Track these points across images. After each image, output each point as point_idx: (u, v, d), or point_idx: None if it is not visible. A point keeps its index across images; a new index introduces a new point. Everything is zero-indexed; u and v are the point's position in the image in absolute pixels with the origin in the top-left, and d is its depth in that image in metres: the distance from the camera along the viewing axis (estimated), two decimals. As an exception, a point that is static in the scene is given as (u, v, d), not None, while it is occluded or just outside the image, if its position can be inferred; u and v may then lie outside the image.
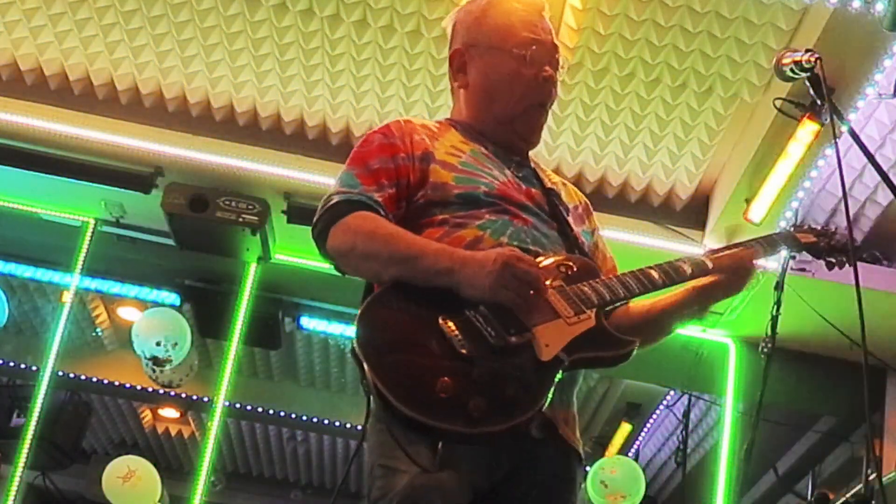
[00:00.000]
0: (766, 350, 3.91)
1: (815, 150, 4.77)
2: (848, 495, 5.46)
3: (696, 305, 2.38)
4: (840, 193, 5.41)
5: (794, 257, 2.46)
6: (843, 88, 4.42)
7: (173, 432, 9.33)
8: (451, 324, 2.00)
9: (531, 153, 2.51)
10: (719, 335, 6.09)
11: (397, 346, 2.00)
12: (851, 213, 5.50)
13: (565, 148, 5.53)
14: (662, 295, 2.35)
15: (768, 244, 2.52)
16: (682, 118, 5.26)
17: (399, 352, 1.98)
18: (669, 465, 8.08)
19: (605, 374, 7.28)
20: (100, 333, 7.84)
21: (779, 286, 3.75)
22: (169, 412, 8.90)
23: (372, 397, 1.98)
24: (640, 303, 2.36)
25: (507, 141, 2.42)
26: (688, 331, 5.87)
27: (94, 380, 7.78)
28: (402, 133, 2.31)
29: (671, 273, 2.29)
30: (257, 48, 5.27)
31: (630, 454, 7.83)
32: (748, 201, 5.13)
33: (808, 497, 6.54)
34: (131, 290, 6.61)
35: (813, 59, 2.45)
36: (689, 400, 6.58)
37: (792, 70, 2.48)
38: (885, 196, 5.42)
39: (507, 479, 2.08)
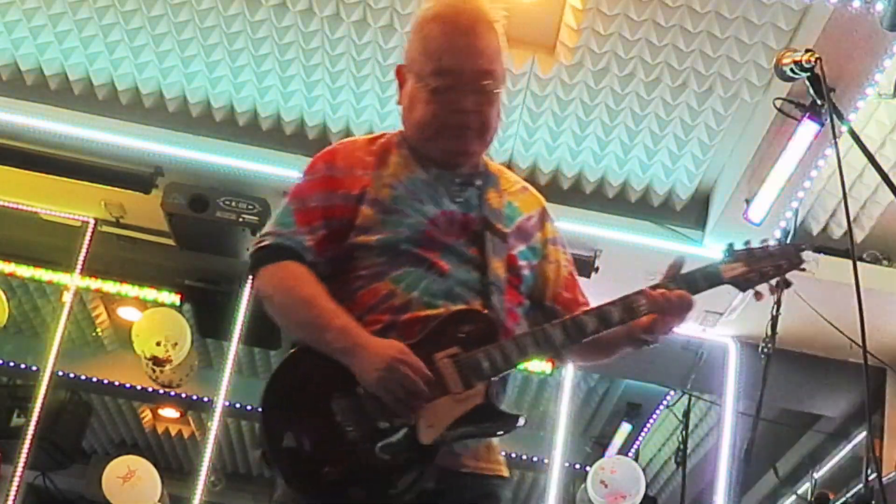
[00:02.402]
0: (766, 350, 3.90)
1: (815, 150, 4.76)
2: (848, 495, 5.48)
3: (631, 341, 2.29)
4: (840, 193, 5.41)
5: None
6: (843, 88, 4.41)
7: (173, 432, 9.31)
8: (341, 404, 2.10)
9: (491, 163, 2.40)
10: (719, 335, 6.09)
11: (293, 428, 2.11)
12: (852, 214, 5.50)
13: (565, 148, 5.53)
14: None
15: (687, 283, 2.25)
16: (682, 118, 5.26)
17: (293, 435, 2.10)
18: (669, 465, 8.06)
19: (604, 374, 7.28)
20: (100, 333, 7.83)
21: (779, 286, 3.74)
22: (169, 412, 8.88)
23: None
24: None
25: (442, 159, 2.32)
26: (688, 331, 5.87)
27: (94, 380, 7.76)
28: (346, 164, 2.29)
29: (572, 330, 2.19)
30: (257, 48, 5.28)
31: (630, 454, 7.82)
32: (748, 201, 5.12)
33: (808, 497, 6.53)
34: (131, 290, 6.61)
35: (813, 59, 2.45)
36: (689, 400, 6.56)
37: (792, 70, 2.49)
38: (885, 196, 5.41)
39: None
